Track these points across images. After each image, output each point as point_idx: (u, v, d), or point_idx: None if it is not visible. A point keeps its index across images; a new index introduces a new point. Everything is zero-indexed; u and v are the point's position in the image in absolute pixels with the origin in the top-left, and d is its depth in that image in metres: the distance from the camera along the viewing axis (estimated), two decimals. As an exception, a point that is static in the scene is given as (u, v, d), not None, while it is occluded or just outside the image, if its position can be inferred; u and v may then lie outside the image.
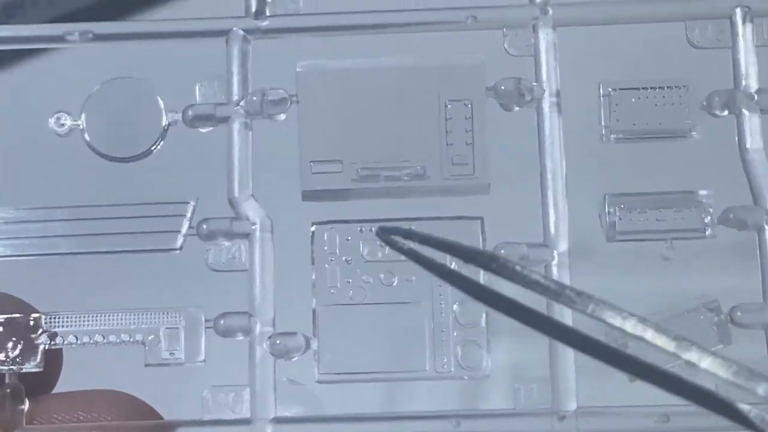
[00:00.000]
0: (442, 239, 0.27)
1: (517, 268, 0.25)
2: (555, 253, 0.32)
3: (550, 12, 0.33)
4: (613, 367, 0.22)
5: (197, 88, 0.33)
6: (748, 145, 0.32)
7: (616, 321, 0.23)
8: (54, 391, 0.33)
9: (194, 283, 0.33)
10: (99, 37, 0.34)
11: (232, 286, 0.33)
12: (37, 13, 0.46)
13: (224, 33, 0.34)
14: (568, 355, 0.31)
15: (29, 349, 0.32)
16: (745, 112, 0.32)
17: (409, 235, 0.26)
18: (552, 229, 0.32)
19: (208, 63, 0.34)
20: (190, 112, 0.33)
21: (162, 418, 0.32)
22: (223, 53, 0.34)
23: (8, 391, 0.32)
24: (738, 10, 0.33)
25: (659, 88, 0.33)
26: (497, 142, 0.33)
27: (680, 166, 0.33)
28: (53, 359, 0.32)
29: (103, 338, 0.32)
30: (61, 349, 0.32)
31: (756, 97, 0.32)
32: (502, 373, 0.32)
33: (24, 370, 0.32)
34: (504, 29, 0.33)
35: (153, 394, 0.32)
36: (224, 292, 0.32)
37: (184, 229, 0.33)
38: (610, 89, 0.33)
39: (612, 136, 0.33)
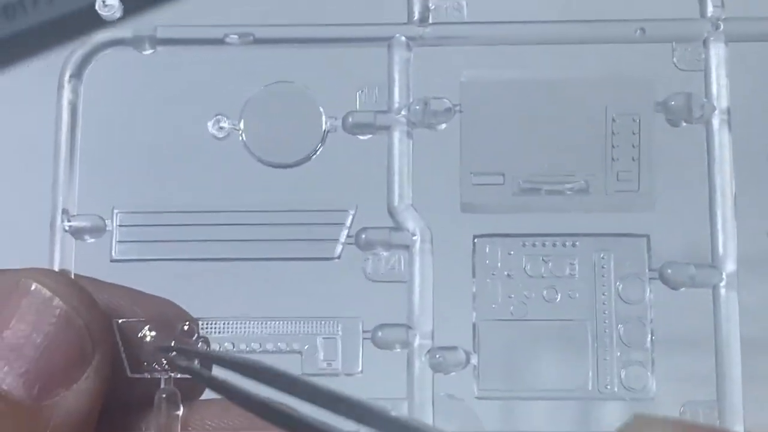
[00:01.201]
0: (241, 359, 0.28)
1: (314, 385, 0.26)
2: (723, 274, 0.32)
3: (722, 27, 0.33)
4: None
5: (357, 94, 0.33)
6: None
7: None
8: (203, 398, 0.33)
9: (352, 292, 0.33)
10: (259, 41, 0.34)
11: (391, 297, 0.32)
12: (38, 14, 0.46)
13: (387, 39, 0.34)
14: (736, 377, 0.31)
15: (185, 355, 0.32)
16: None
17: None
18: (720, 250, 0.32)
19: (370, 70, 0.34)
20: (350, 119, 0.33)
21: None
22: (385, 60, 0.33)
23: (164, 396, 0.32)
24: None
25: (834, 106, 0.32)
26: (662, 158, 0.33)
27: None
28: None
29: (260, 346, 0.32)
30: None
31: None
32: (667, 394, 0.32)
33: (179, 376, 0.32)
34: (673, 43, 0.33)
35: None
36: (382, 303, 0.32)
37: (343, 238, 0.33)
38: (782, 107, 0.32)
39: (783, 154, 0.32)
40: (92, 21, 0.34)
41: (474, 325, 0.32)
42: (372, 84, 0.34)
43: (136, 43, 0.34)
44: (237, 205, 0.33)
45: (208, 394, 0.33)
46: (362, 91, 0.34)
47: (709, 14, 0.33)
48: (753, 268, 0.32)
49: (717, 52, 0.33)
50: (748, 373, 0.31)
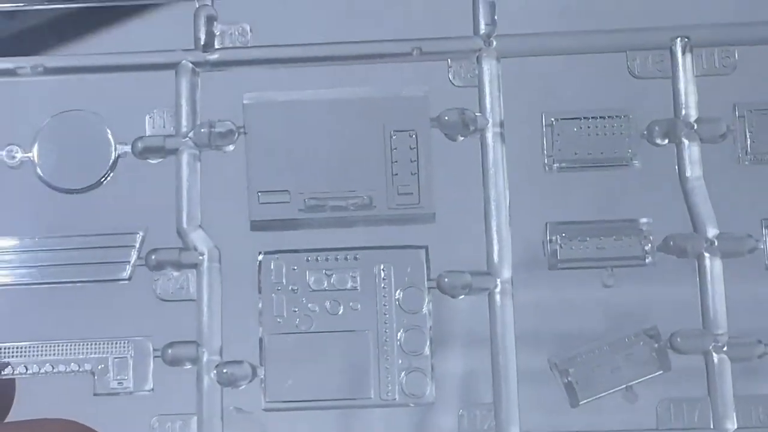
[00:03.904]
0: None
1: None
2: (498, 281, 0.34)
3: (494, 43, 0.35)
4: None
5: (147, 119, 0.35)
6: (687, 174, 0.34)
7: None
8: (6, 420, 0.35)
9: (144, 312, 0.35)
10: (49, 71, 0.36)
11: (181, 316, 0.35)
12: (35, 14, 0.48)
13: (173, 66, 0.36)
14: (511, 380, 0.33)
15: (-16, 379, 0.34)
16: (685, 141, 0.35)
17: None
18: (495, 258, 0.34)
19: (159, 94, 0.36)
20: (139, 144, 0.35)
21: (112, 447, 0.34)
22: (174, 84, 0.36)
23: (-42, 420, 0.34)
24: (678, 41, 0.35)
25: (600, 117, 0.35)
26: (443, 172, 0.35)
27: (622, 194, 0.35)
28: (6, 389, 0.34)
29: (53, 368, 0.34)
30: (13, 378, 0.34)
31: (695, 126, 0.35)
32: (446, 399, 0.34)
33: (-24, 399, 0.34)
34: (449, 60, 0.35)
35: (103, 423, 0.34)
36: (173, 322, 0.34)
37: (133, 260, 0.35)
38: (552, 119, 0.35)
39: (555, 165, 0.35)
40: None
41: (260, 340, 0.34)
42: (161, 108, 0.36)
43: (-73, 75, 0.36)
44: (30, 231, 0.35)
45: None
46: (151, 116, 0.36)
47: (481, 31, 0.35)
48: (527, 275, 0.34)
49: (489, 68, 0.35)
50: (523, 375, 0.34)
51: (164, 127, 0.36)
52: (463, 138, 0.35)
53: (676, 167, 0.35)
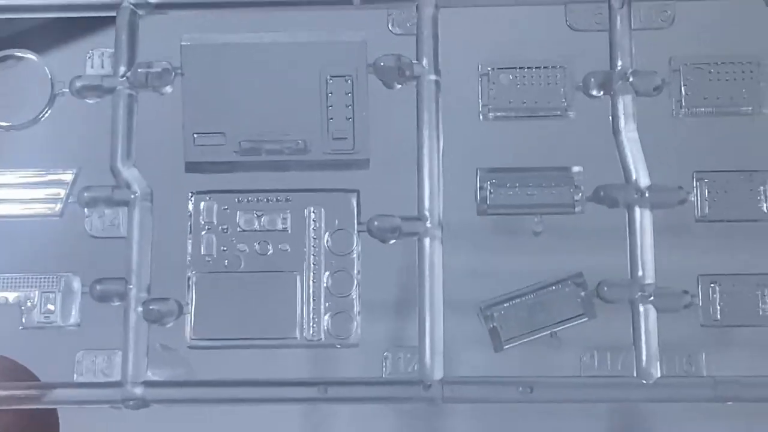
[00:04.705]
0: None
1: None
2: (428, 225, 0.34)
3: (433, -9, 0.36)
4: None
5: (86, 59, 0.36)
6: (621, 126, 0.35)
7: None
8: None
9: (74, 249, 0.35)
10: (-6, 9, 0.36)
11: (113, 252, 0.35)
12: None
13: (114, 7, 0.36)
14: (437, 326, 0.34)
15: None
16: (620, 93, 0.35)
17: None
18: (426, 203, 0.34)
19: (99, 35, 0.36)
20: (77, 83, 0.36)
21: (39, 380, 0.34)
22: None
23: None
24: (616, -6, 0.35)
25: (536, 68, 0.35)
26: (379, 119, 0.35)
27: (555, 144, 0.35)
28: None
29: (-20, 301, 0.34)
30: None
31: (630, 79, 0.35)
32: (371, 341, 0.34)
33: None
34: (388, 8, 0.36)
35: (29, 357, 0.35)
36: (105, 258, 0.35)
37: (65, 196, 0.35)
38: (488, 68, 0.35)
39: (490, 114, 0.35)
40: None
41: (188, 278, 0.34)
42: (100, 49, 0.36)
43: None
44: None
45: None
46: (90, 56, 0.36)
47: (421, -20, 0.36)
48: (457, 221, 0.34)
49: (428, 16, 0.36)
50: (449, 319, 0.34)
51: (103, 67, 0.36)
52: (399, 86, 0.35)
53: (610, 119, 0.35)
